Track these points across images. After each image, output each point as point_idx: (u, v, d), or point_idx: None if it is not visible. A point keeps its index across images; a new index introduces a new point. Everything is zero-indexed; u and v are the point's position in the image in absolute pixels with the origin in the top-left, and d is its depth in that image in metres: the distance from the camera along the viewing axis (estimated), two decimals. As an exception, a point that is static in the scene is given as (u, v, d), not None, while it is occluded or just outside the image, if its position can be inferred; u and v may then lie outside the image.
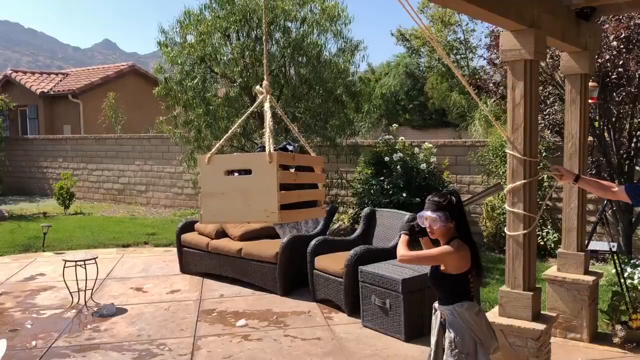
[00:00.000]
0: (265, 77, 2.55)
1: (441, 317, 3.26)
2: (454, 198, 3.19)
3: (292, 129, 2.72)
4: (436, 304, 3.34)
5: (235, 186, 2.32)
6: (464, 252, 3.13)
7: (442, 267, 3.18)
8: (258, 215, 2.32)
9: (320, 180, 2.82)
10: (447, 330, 3.17)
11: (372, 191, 8.85)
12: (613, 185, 3.96)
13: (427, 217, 3.17)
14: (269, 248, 6.74)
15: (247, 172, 2.34)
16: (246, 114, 2.66)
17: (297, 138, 2.49)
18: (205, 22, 8.62)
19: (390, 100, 26.05)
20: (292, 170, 2.49)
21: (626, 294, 5.17)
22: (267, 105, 2.41)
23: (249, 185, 2.28)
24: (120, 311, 6.21)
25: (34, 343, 5.31)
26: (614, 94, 6.85)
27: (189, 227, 7.84)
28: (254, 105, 2.54)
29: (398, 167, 8.76)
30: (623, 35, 6.55)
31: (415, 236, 3.29)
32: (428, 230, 3.21)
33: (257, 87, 2.46)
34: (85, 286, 6.38)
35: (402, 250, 3.20)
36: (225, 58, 8.81)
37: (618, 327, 4.94)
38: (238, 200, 2.31)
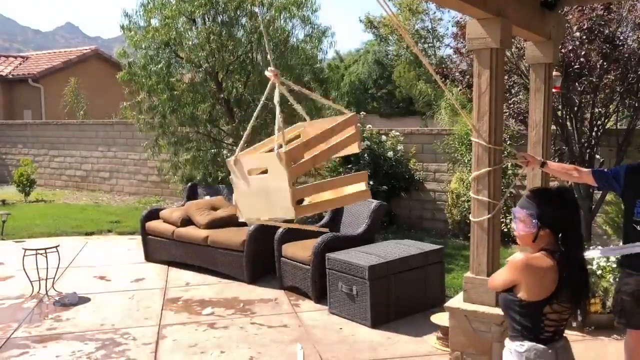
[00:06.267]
0: (270, 60, 2.56)
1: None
2: (554, 199, 2.40)
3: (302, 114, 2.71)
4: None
5: (258, 185, 2.40)
6: (541, 272, 2.33)
7: (515, 289, 2.42)
8: (281, 211, 2.38)
9: (350, 144, 2.56)
10: None
11: (339, 179, 8.87)
12: (578, 168, 4.08)
13: (515, 213, 2.46)
14: (235, 236, 6.68)
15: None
16: (260, 104, 2.64)
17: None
18: (170, 6, 8.44)
19: (359, 88, 26.06)
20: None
21: (585, 279, 5.30)
22: (276, 98, 2.43)
23: (267, 184, 2.35)
24: (83, 300, 6.10)
25: (-8, 334, 5.18)
26: (576, 83, 6.99)
27: (153, 214, 7.72)
28: (265, 94, 2.54)
29: (365, 155, 8.80)
30: (586, 26, 6.67)
31: None
32: (514, 232, 2.50)
33: (267, 72, 2.47)
34: (47, 275, 6.23)
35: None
36: (190, 43, 8.65)
37: (577, 311, 5.07)
38: (263, 198, 2.38)
